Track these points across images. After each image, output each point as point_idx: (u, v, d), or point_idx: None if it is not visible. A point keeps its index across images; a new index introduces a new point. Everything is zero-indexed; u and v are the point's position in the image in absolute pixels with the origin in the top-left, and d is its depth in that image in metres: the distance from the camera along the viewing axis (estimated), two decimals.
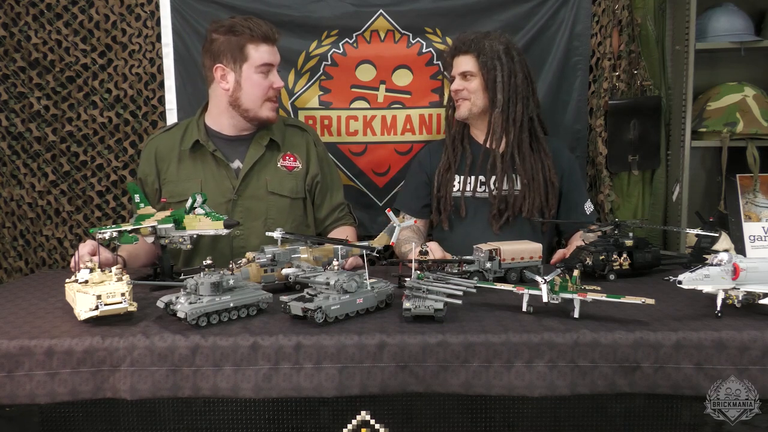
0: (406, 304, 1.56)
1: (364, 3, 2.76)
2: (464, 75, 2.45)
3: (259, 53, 2.29)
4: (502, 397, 1.47)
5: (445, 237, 2.49)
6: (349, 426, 1.50)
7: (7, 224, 2.88)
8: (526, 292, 1.65)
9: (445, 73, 2.59)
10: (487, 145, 2.46)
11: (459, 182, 2.50)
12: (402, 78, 2.84)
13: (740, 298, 1.62)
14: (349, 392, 1.45)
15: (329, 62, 2.81)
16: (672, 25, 2.83)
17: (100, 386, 1.46)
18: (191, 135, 2.38)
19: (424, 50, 2.82)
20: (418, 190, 2.58)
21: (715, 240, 2.10)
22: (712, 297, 1.61)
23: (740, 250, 2.55)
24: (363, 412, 1.50)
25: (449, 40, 2.75)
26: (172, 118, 2.80)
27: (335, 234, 2.44)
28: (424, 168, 2.59)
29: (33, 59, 2.78)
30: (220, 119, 2.40)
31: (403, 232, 2.33)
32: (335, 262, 1.71)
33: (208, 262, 1.65)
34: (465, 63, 2.45)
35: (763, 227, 2.55)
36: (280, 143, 2.42)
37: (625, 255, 2.02)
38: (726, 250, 1.87)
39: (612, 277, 1.99)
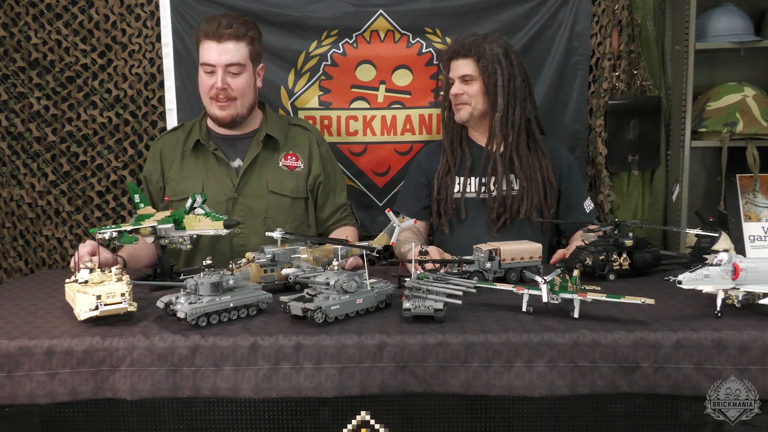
0: (406, 304, 1.56)
1: (364, 3, 2.76)
2: (464, 79, 2.44)
3: (203, 51, 2.28)
4: (502, 397, 1.47)
5: (445, 239, 2.49)
6: (349, 426, 1.50)
7: (7, 224, 2.88)
8: (526, 292, 1.65)
9: (443, 73, 2.59)
10: (489, 148, 2.46)
11: (459, 184, 2.50)
12: (402, 78, 2.84)
13: (740, 298, 1.62)
14: (349, 392, 1.45)
15: (329, 62, 2.81)
16: (672, 25, 2.83)
17: (100, 386, 1.46)
18: (194, 135, 2.41)
19: (423, 50, 2.82)
20: (418, 191, 2.58)
21: (715, 240, 2.10)
22: (712, 297, 1.61)
23: (740, 250, 2.56)
24: (363, 412, 1.50)
25: (449, 40, 2.74)
26: (171, 118, 2.80)
27: (337, 234, 2.44)
28: (423, 170, 2.58)
29: (33, 59, 2.78)
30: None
31: (403, 233, 2.33)
32: (335, 263, 1.71)
33: (208, 262, 1.65)
34: (464, 67, 2.43)
35: (763, 227, 2.56)
36: (281, 142, 2.42)
37: (625, 255, 2.02)
38: (726, 250, 1.87)
39: (612, 277, 1.99)
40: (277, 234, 1.86)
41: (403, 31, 2.80)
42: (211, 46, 2.25)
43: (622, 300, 1.60)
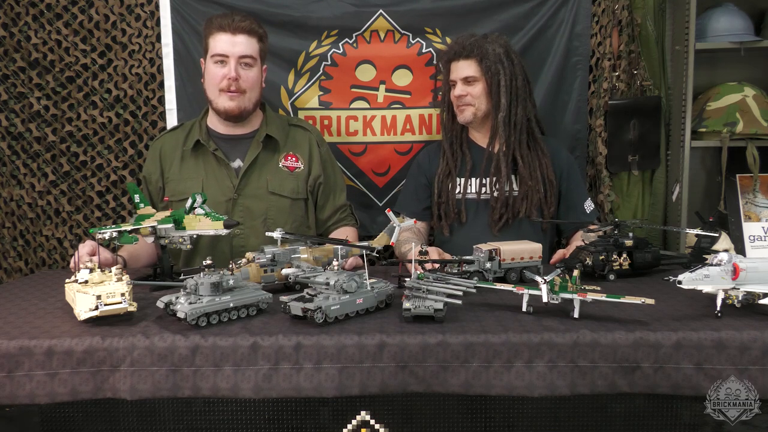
0: (406, 304, 1.56)
1: (364, 3, 2.76)
2: (467, 80, 2.43)
3: (215, 42, 2.31)
4: (502, 397, 1.47)
5: (446, 240, 2.49)
6: (349, 426, 1.50)
7: (7, 224, 2.88)
8: (526, 292, 1.65)
9: (442, 74, 2.58)
10: (490, 149, 2.46)
11: (460, 185, 2.50)
12: (402, 78, 2.84)
13: (740, 298, 1.62)
14: (349, 392, 1.45)
15: (329, 62, 2.81)
16: (672, 25, 2.83)
17: (100, 386, 1.46)
18: (193, 135, 2.41)
19: (423, 50, 2.82)
20: (418, 192, 2.58)
21: (715, 240, 2.10)
22: (712, 297, 1.61)
23: (740, 250, 2.56)
24: (363, 412, 1.50)
25: (449, 40, 2.74)
26: (171, 118, 2.81)
27: (336, 235, 2.44)
28: (423, 170, 2.58)
29: (33, 59, 2.78)
30: (212, 118, 2.43)
31: (403, 233, 2.33)
32: (335, 263, 1.71)
33: (208, 262, 1.65)
34: (467, 68, 2.43)
35: (763, 227, 2.56)
36: (281, 142, 2.42)
37: (625, 255, 2.02)
38: (726, 250, 1.87)
39: (612, 277, 1.99)
40: (277, 234, 1.86)
41: (403, 31, 2.80)
42: (225, 37, 2.29)
43: (622, 300, 1.60)
